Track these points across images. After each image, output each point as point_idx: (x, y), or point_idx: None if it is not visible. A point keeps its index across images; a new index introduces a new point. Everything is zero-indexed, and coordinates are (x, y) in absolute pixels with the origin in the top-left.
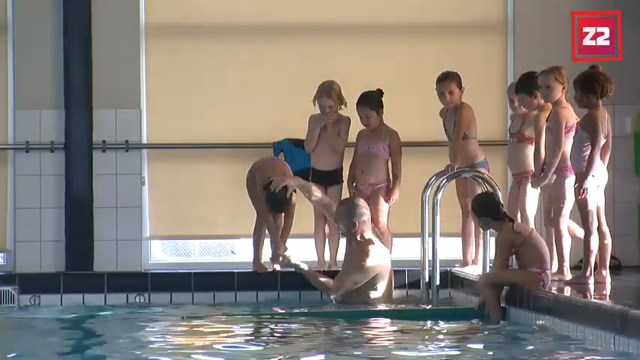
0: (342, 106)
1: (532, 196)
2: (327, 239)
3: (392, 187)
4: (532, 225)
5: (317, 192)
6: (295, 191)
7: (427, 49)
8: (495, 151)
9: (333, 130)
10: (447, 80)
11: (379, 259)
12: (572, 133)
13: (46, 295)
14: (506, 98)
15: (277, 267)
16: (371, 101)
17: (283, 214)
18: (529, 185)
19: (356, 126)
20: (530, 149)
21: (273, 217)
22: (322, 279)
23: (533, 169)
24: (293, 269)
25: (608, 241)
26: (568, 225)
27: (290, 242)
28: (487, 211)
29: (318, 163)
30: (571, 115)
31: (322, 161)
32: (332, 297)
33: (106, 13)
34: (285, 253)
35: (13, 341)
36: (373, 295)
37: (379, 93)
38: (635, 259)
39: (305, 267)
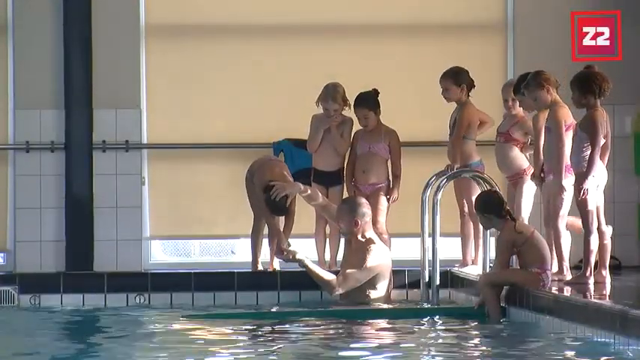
0: (346, 108)
1: (527, 197)
2: (327, 239)
3: (392, 186)
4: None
5: (317, 197)
6: (295, 196)
7: (427, 49)
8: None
9: (336, 131)
10: (444, 78)
11: (381, 258)
12: (571, 132)
13: (46, 295)
14: None
15: (276, 266)
16: (368, 102)
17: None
18: (525, 186)
19: (357, 127)
20: (516, 150)
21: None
22: (325, 276)
23: (525, 168)
24: (296, 264)
25: (608, 241)
26: (567, 219)
27: (290, 240)
28: (490, 208)
29: (320, 164)
30: (568, 114)
31: (324, 162)
32: (333, 295)
33: (106, 13)
34: (290, 249)
35: (13, 341)
36: (373, 294)
37: (375, 93)
38: (635, 259)
39: (309, 263)
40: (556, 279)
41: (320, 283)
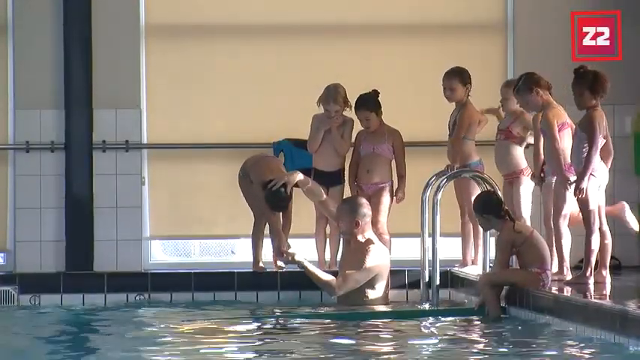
0: (347, 108)
1: (526, 196)
2: (327, 239)
3: (398, 186)
4: (528, 224)
5: (318, 189)
6: (292, 189)
7: (427, 49)
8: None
9: (337, 132)
10: (448, 77)
11: (380, 259)
12: (567, 131)
13: (46, 295)
14: None
15: (281, 264)
16: (368, 103)
17: (281, 213)
18: (522, 186)
19: (358, 126)
20: (517, 149)
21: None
22: (325, 277)
23: (523, 168)
24: (296, 266)
25: (609, 241)
26: (571, 212)
27: (290, 241)
28: (489, 208)
29: (321, 164)
30: (559, 114)
31: (325, 162)
32: (332, 296)
33: (106, 13)
34: (289, 250)
35: (13, 341)
36: (371, 295)
37: (375, 94)
38: (635, 259)
39: (308, 264)
40: (556, 279)
41: (319, 284)
